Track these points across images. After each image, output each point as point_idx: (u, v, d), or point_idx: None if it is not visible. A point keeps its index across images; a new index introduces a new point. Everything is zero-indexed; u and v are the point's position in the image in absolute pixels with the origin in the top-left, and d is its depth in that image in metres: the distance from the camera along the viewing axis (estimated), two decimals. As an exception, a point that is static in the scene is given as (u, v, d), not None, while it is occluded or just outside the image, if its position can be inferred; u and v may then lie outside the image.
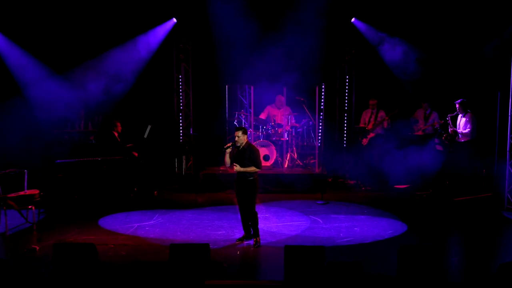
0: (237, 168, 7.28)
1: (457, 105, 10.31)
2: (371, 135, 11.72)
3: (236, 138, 7.33)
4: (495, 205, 9.62)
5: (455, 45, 11.21)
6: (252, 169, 7.28)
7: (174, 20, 12.19)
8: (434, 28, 11.20)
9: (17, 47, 11.50)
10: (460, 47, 11.16)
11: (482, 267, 6.65)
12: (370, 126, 11.73)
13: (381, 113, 11.75)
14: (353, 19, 12.17)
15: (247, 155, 7.28)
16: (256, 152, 7.35)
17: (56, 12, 11.25)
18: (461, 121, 10.39)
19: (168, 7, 11.91)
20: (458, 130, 10.38)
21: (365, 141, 11.75)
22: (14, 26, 11.30)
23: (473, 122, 10.24)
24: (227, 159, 7.44)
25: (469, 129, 10.25)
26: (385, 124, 11.63)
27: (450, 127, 10.40)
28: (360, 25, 12.18)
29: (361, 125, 11.97)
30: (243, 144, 7.35)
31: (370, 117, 11.82)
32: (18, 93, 11.45)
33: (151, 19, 11.96)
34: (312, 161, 12.31)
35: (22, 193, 8.35)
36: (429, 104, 11.22)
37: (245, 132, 7.39)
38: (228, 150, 7.41)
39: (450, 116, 10.37)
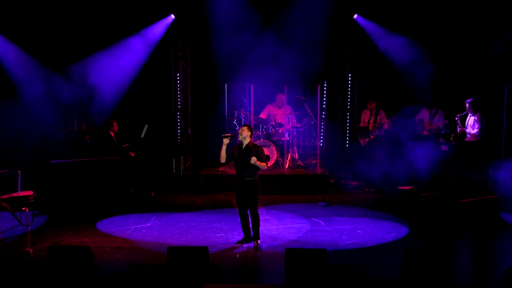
0: (253, 160, 7.16)
1: (467, 104, 10.21)
2: (371, 136, 11.64)
3: (240, 131, 7.36)
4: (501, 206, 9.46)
5: (461, 41, 11.10)
6: (264, 163, 7.32)
7: (172, 16, 12.05)
8: (439, 25, 11.14)
9: (11, 45, 11.44)
10: (466, 43, 11.06)
11: (488, 270, 6.59)
12: (370, 128, 11.62)
13: (381, 114, 11.63)
14: (355, 16, 12.04)
15: (253, 153, 7.26)
16: (263, 151, 7.42)
17: (52, 10, 11.21)
18: (470, 120, 10.29)
19: (166, 3, 11.82)
20: (466, 130, 10.25)
21: (362, 142, 11.62)
22: (8, 23, 11.21)
23: (482, 122, 10.14)
24: (223, 153, 7.38)
25: (477, 130, 10.12)
26: (386, 126, 11.50)
27: (459, 127, 10.28)
28: (363, 22, 12.03)
29: (361, 125, 11.87)
30: (246, 142, 7.32)
31: (370, 118, 11.70)
32: (12, 93, 11.39)
33: (149, 15, 11.87)
34: (313, 162, 12.20)
35: (15, 194, 8.28)
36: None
37: (250, 129, 7.41)
38: (226, 141, 7.35)
39: (459, 116, 10.25)
